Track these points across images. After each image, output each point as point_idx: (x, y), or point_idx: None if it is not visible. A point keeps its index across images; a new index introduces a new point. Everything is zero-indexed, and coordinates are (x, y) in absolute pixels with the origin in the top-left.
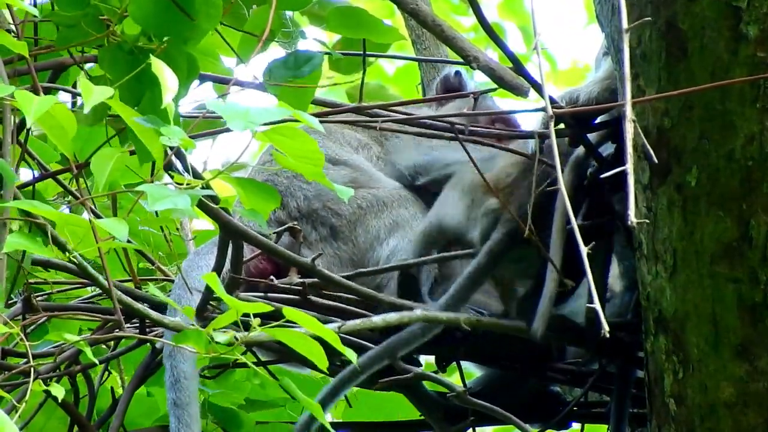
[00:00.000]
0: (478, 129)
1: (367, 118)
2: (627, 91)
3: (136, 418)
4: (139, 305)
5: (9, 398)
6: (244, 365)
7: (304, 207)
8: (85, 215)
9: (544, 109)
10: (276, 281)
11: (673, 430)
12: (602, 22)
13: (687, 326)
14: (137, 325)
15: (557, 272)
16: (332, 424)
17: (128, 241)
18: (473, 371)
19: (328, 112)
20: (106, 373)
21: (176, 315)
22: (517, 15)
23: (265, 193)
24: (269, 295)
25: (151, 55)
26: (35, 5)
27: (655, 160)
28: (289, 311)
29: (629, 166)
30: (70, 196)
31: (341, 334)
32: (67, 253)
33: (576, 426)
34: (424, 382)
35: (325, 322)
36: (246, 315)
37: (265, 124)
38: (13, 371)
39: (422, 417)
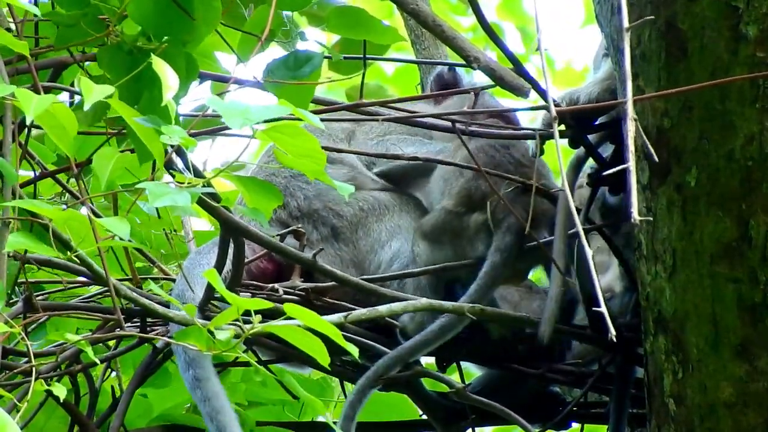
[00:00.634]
0: (478, 129)
1: (367, 117)
2: (628, 89)
3: (134, 419)
4: (144, 300)
5: (10, 397)
6: (244, 363)
7: (305, 207)
8: (84, 211)
9: (545, 108)
10: (278, 286)
11: (672, 431)
12: (602, 23)
13: (687, 326)
14: (138, 324)
15: (560, 273)
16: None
17: (129, 241)
18: (473, 371)
19: (328, 109)
20: (108, 371)
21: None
22: (516, 15)
23: (266, 191)
24: (272, 296)
25: (152, 54)
26: (35, 4)
27: (656, 159)
28: (290, 307)
29: (631, 165)
30: (68, 196)
31: (346, 334)
32: (69, 252)
33: (576, 426)
34: (424, 383)
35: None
36: (247, 312)
37: (265, 122)
38: (15, 371)
39: (423, 417)
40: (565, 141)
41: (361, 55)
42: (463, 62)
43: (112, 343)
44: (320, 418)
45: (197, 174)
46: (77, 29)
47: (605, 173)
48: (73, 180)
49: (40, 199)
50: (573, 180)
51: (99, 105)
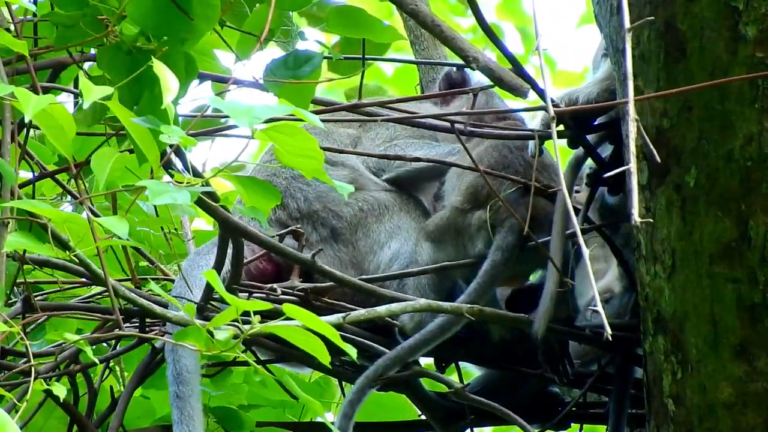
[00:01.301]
0: (477, 130)
1: (367, 117)
2: (630, 89)
3: (134, 420)
4: (142, 300)
5: (10, 397)
6: (244, 363)
7: (305, 208)
8: (84, 214)
9: (544, 108)
10: (277, 286)
11: (671, 431)
12: (601, 23)
13: (686, 326)
14: (137, 324)
15: (558, 272)
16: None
17: (127, 240)
18: (472, 371)
19: (328, 110)
20: (107, 371)
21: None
22: (516, 16)
23: (265, 190)
24: (270, 296)
25: (152, 56)
26: (35, 4)
27: (658, 159)
28: (289, 308)
29: (632, 165)
30: (68, 196)
31: (345, 334)
32: (68, 252)
33: (575, 426)
34: (423, 383)
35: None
36: (246, 313)
37: (269, 121)
38: (14, 370)
39: (422, 417)
40: (564, 141)
41: (361, 55)
42: (462, 62)
43: (113, 342)
44: (320, 419)
45: (196, 174)
46: (76, 29)
47: (605, 174)
48: (73, 180)
49: (41, 199)
50: (572, 180)
51: (98, 105)
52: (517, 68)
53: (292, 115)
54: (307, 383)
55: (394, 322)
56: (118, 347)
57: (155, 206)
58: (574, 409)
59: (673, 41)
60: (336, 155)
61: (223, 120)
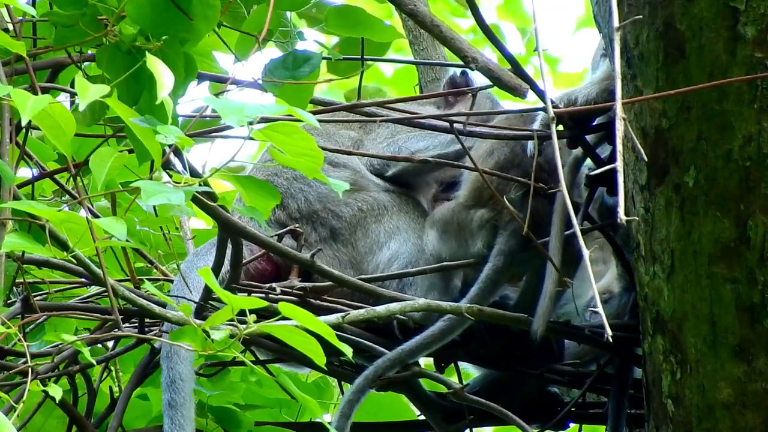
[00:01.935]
0: (476, 130)
1: (367, 118)
2: (617, 88)
3: (132, 420)
4: (141, 300)
5: (7, 399)
6: (241, 363)
7: (305, 209)
8: (83, 213)
9: (543, 109)
10: (276, 285)
11: (670, 431)
12: (600, 23)
13: (685, 327)
14: (136, 325)
15: (557, 271)
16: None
17: (126, 241)
18: (472, 372)
19: (327, 110)
20: (106, 372)
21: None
22: (516, 16)
23: (265, 190)
24: (269, 295)
25: (147, 52)
26: (33, 4)
27: (645, 158)
28: (285, 307)
29: (619, 164)
30: (66, 195)
31: (342, 334)
32: (67, 252)
33: (574, 426)
34: (422, 383)
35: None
36: (243, 312)
37: (263, 121)
38: (12, 371)
39: (421, 417)
40: (564, 141)
41: (360, 56)
42: (462, 63)
43: (111, 342)
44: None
45: (194, 173)
46: (75, 29)
47: (593, 173)
48: (72, 180)
49: (41, 198)
50: (571, 180)
51: (98, 105)
52: (517, 68)
53: (290, 115)
54: (305, 383)
55: (401, 318)
56: (117, 348)
57: (154, 206)
58: (573, 409)
59: (672, 41)
60: (338, 156)
61: (222, 121)
